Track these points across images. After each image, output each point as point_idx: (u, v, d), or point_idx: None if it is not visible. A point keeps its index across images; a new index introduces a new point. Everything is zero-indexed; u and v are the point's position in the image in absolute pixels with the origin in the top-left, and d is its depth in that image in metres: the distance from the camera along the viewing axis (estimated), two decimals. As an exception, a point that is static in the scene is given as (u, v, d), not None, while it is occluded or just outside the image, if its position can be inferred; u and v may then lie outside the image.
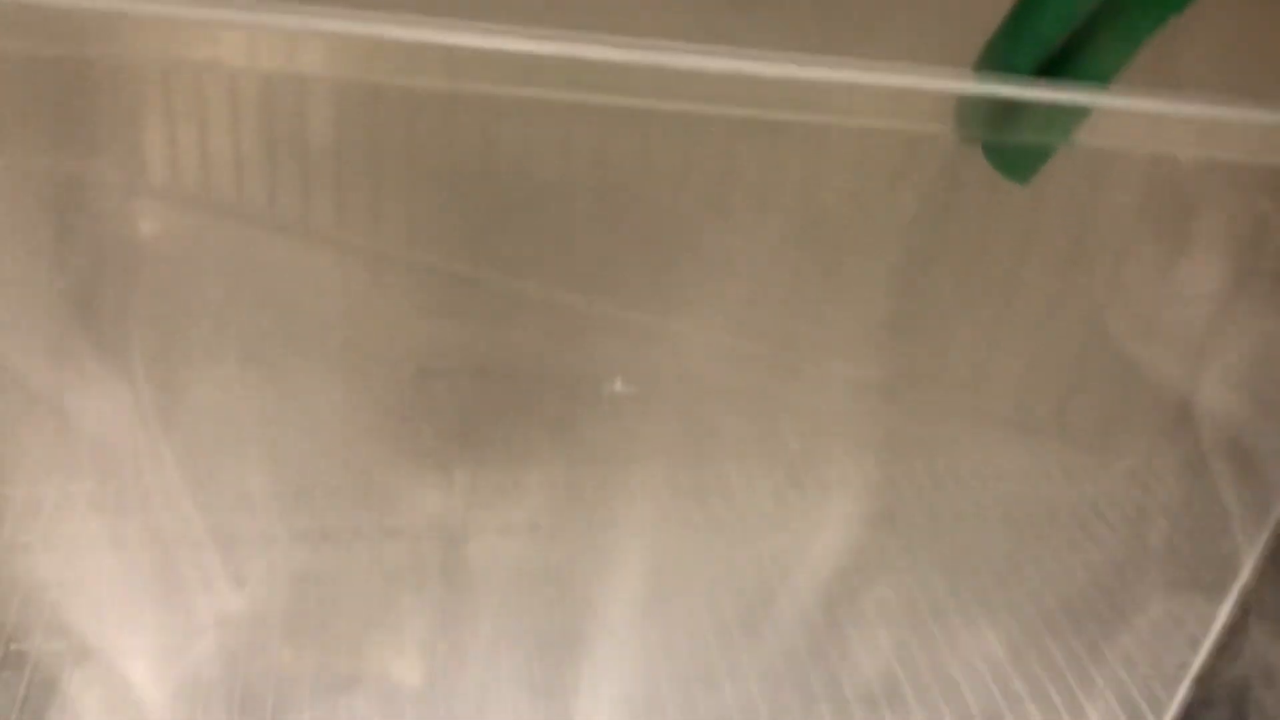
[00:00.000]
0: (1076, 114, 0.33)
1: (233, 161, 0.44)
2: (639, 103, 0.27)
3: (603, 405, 0.49)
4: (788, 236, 0.43)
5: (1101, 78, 0.33)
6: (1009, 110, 0.33)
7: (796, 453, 0.53)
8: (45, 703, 0.47)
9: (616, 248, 0.45)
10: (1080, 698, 0.52)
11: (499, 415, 0.50)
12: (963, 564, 0.54)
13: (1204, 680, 0.50)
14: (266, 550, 0.53)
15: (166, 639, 0.48)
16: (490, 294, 0.46)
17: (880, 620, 0.53)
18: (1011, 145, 0.34)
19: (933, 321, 0.48)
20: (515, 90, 0.28)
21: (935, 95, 0.31)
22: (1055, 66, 0.33)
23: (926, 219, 0.39)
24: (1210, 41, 0.37)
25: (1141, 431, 0.50)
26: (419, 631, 0.51)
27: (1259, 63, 0.37)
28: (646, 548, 0.52)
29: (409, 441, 0.52)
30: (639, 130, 0.42)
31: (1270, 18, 0.40)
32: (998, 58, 0.33)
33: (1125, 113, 0.32)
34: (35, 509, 0.54)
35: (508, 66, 0.28)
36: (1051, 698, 0.52)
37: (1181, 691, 0.50)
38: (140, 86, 0.42)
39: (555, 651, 0.51)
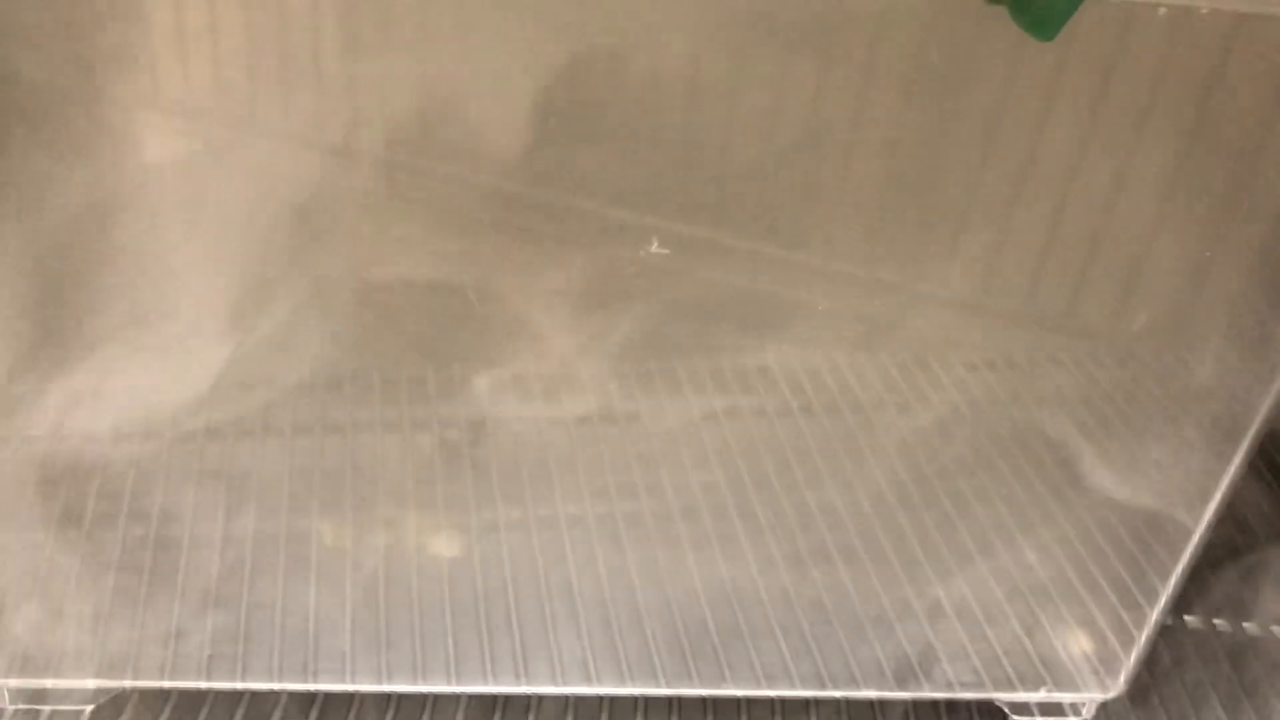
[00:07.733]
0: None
1: (244, 68, 0.44)
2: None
3: (631, 314, 0.49)
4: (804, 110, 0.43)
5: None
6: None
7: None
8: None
9: (643, 156, 0.45)
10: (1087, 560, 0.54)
11: (517, 327, 0.50)
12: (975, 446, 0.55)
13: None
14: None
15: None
16: (518, 208, 0.46)
17: (908, 490, 0.54)
18: (1037, 1, 0.35)
19: (946, 215, 0.48)
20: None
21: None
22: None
23: (949, 85, 0.40)
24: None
25: (1153, 318, 0.51)
26: (452, 511, 0.52)
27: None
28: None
29: (428, 345, 0.53)
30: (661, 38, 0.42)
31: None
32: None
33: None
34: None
35: None
36: (1061, 562, 0.54)
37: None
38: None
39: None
